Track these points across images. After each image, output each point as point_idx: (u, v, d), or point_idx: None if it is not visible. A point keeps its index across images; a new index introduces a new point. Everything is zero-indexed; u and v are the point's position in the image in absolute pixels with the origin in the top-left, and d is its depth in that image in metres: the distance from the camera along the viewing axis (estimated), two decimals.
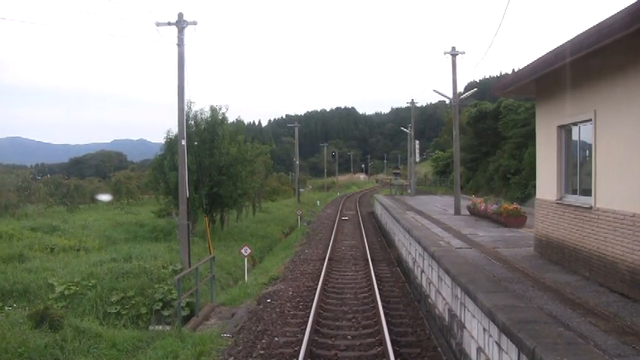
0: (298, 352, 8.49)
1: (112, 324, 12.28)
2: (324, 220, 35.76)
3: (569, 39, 7.72)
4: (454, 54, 22.74)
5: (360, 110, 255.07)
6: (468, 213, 21.39)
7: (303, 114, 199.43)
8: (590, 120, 8.29)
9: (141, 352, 9.50)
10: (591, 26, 7.03)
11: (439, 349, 8.98)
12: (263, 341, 9.51)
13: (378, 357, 8.51)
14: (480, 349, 7.00)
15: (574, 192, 9.40)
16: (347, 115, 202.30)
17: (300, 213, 35.84)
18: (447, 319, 9.31)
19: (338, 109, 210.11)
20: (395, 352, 8.41)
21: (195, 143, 23.43)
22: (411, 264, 15.03)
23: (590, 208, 8.34)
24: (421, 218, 19.67)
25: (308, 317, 10.53)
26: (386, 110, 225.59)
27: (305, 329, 9.63)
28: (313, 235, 26.81)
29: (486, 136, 48.99)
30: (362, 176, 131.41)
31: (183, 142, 17.29)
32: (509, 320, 5.75)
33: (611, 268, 7.68)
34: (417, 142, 45.83)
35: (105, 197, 50.88)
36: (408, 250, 15.69)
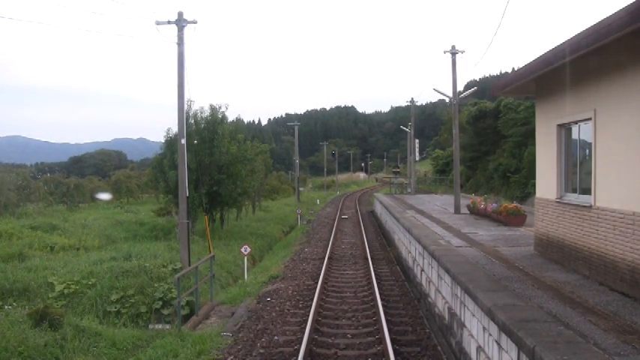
0: (298, 350, 8.49)
1: (112, 323, 12.30)
2: (323, 218, 35.76)
3: (568, 38, 7.72)
4: (454, 53, 22.72)
5: (360, 109, 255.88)
6: (467, 212, 21.40)
7: (302, 113, 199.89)
8: (590, 119, 8.29)
9: (140, 350, 9.50)
10: (590, 25, 7.03)
11: (439, 347, 8.99)
12: (263, 340, 9.51)
13: (378, 356, 8.51)
14: (479, 348, 7.01)
15: (574, 191, 9.41)
16: (347, 113, 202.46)
17: (300, 212, 35.86)
18: (446, 318, 9.31)
19: (338, 107, 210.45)
20: (395, 350, 8.41)
21: (195, 142, 23.40)
22: (410, 263, 15.03)
23: (590, 206, 8.34)
24: (421, 217, 19.67)
25: (308, 316, 10.53)
26: (386, 109, 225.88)
27: (305, 328, 9.63)
28: (313, 234, 26.81)
29: (486, 135, 48.97)
30: (362, 175, 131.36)
31: (183, 141, 17.29)
32: (509, 319, 5.76)
33: (610, 267, 7.68)
34: (417, 140, 45.84)
35: (105, 196, 50.97)
36: (408, 248, 15.69)
